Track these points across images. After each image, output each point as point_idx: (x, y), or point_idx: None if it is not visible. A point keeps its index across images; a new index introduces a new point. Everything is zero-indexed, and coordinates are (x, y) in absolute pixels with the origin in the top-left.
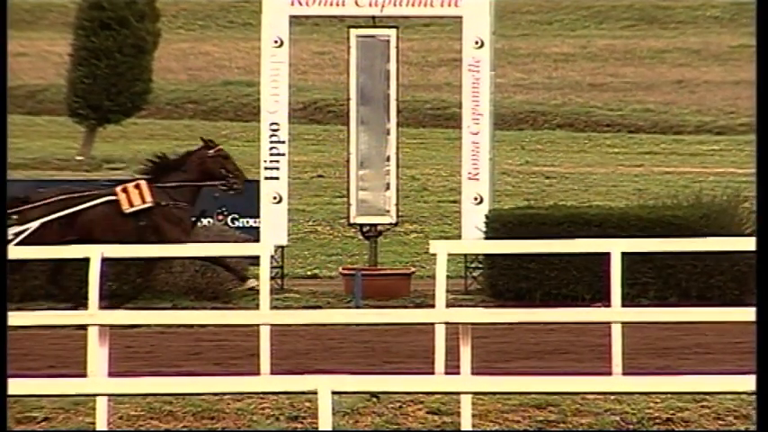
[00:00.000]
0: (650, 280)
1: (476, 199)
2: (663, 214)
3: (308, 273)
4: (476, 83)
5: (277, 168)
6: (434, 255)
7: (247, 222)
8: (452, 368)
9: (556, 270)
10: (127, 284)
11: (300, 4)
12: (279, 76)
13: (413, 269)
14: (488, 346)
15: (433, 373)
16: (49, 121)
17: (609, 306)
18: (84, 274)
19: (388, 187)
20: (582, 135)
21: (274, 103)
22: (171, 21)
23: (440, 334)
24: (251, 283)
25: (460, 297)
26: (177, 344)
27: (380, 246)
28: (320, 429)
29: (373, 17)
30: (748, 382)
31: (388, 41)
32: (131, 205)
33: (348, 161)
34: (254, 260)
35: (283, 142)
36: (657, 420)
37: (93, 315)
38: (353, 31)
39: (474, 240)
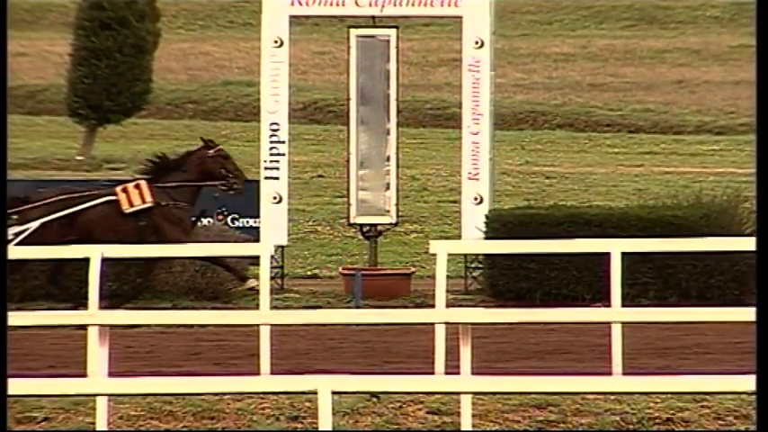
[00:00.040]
0: (650, 280)
1: (476, 199)
2: (663, 214)
3: (308, 273)
4: (476, 83)
5: (277, 168)
6: (434, 255)
7: (247, 222)
8: (452, 368)
9: (556, 270)
10: (127, 284)
11: (300, 4)
12: (279, 76)
13: (413, 269)
14: (488, 346)
15: (433, 373)
16: (49, 121)
17: (609, 306)
18: (84, 274)
19: (388, 187)
20: (582, 135)
21: (274, 103)
22: (171, 21)
23: (440, 334)
24: (251, 283)
25: (460, 297)
26: (177, 344)
27: (380, 246)
28: (320, 429)
29: (373, 17)
30: (748, 382)
31: (388, 41)
32: (131, 205)
33: (348, 161)
34: (254, 260)
35: (283, 142)
36: (657, 420)
37: (93, 315)
38: (353, 31)
39: (474, 240)
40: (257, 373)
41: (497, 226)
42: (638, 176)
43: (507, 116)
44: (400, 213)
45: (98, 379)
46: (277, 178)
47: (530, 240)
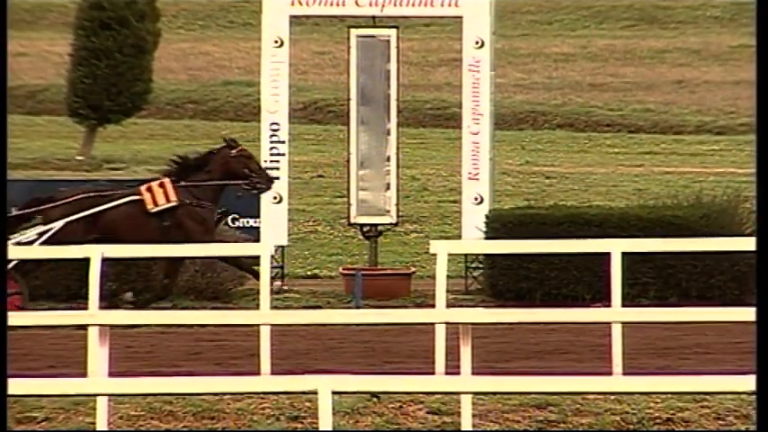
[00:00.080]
0: (650, 280)
1: (476, 199)
2: (663, 214)
3: (308, 273)
4: (476, 83)
5: (277, 168)
6: (434, 255)
7: (247, 222)
8: (452, 368)
9: (556, 270)
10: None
11: (300, 4)
12: (279, 76)
13: (413, 269)
14: (488, 346)
15: (433, 373)
16: (49, 121)
17: (609, 306)
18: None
19: (388, 187)
20: (582, 135)
21: (274, 103)
22: (171, 21)
23: (440, 334)
24: (275, 285)
25: (461, 297)
26: (177, 344)
27: (380, 246)
28: (320, 429)
29: (373, 17)
30: (748, 382)
31: (389, 41)
32: (156, 204)
33: (348, 161)
34: (255, 260)
35: (283, 142)
36: (657, 420)
37: (93, 315)
38: (354, 31)
39: (474, 240)
40: (257, 373)
41: (497, 226)
42: (638, 176)
43: (507, 116)
44: (400, 213)
45: (98, 379)
46: (277, 178)
47: (530, 240)
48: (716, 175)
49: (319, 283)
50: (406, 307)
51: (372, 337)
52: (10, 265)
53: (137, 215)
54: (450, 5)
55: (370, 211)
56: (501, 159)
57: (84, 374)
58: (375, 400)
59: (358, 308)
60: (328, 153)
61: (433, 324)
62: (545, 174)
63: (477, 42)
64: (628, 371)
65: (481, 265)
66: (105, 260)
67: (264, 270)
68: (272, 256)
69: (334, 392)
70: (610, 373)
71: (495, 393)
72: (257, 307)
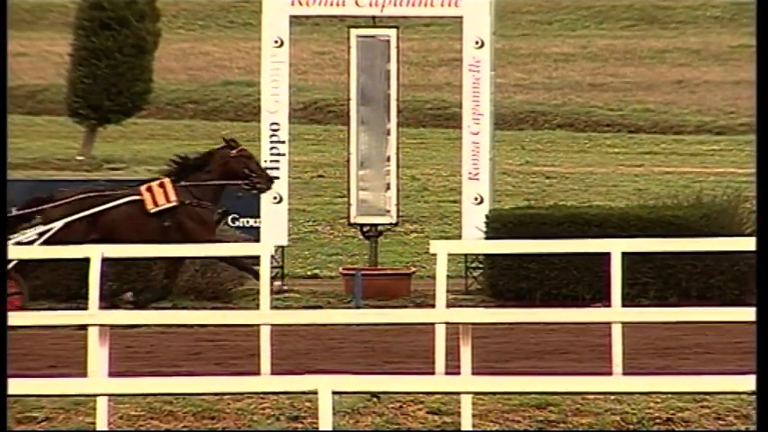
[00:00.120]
0: (650, 280)
1: (476, 199)
2: (663, 214)
3: (308, 273)
4: (476, 83)
5: (277, 168)
6: (434, 255)
7: (247, 222)
8: (452, 368)
9: (556, 270)
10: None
11: (300, 4)
12: (279, 76)
13: (413, 269)
14: (488, 346)
15: (433, 373)
16: (49, 121)
17: (609, 306)
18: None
19: (388, 187)
20: (582, 135)
21: (274, 103)
22: (171, 21)
23: (440, 334)
24: (276, 285)
25: (461, 297)
26: (177, 344)
27: (380, 246)
28: (320, 429)
29: (373, 17)
30: (748, 382)
31: (389, 41)
32: (156, 204)
33: (348, 161)
34: (255, 260)
35: (283, 142)
36: (657, 420)
37: (94, 315)
38: (354, 31)
39: (474, 240)
40: (257, 373)
41: (497, 226)
42: (638, 176)
43: (507, 116)
44: (400, 213)
45: (98, 379)
46: (277, 178)
47: (530, 240)
48: (716, 175)
49: (319, 283)
50: (406, 307)
51: (372, 337)
52: (10, 265)
53: (137, 215)
54: (450, 5)
55: (370, 211)
56: (501, 159)
57: (84, 374)
58: (375, 400)
59: (358, 308)
60: (328, 153)
61: (433, 324)
62: (545, 174)
63: (477, 42)
64: (628, 371)
65: (481, 265)
66: (105, 260)
67: (264, 270)
68: (272, 256)
69: (334, 392)
70: (610, 373)
71: (495, 393)
72: (257, 307)
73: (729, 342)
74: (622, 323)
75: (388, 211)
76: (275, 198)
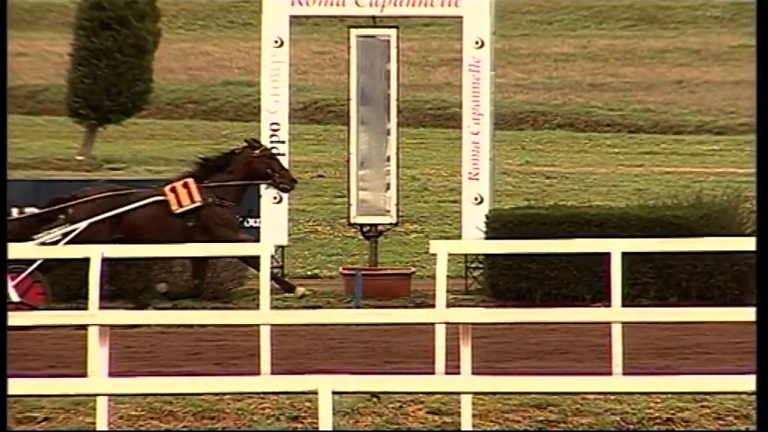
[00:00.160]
0: (650, 280)
1: (476, 199)
2: (663, 214)
3: (308, 273)
4: (476, 83)
5: None
6: (434, 255)
7: (247, 222)
8: (452, 368)
9: (556, 270)
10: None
11: (300, 4)
12: (279, 76)
13: (413, 269)
14: (488, 346)
15: (433, 373)
16: (49, 121)
17: (609, 306)
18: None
19: (388, 187)
20: (582, 135)
21: (274, 103)
22: (171, 21)
23: (440, 334)
24: (299, 291)
25: (461, 297)
26: (177, 344)
27: (380, 246)
28: (320, 429)
29: (373, 17)
30: (748, 382)
31: (389, 41)
32: (180, 205)
33: (348, 161)
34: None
35: (283, 142)
36: (657, 420)
37: (94, 315)
38: (354, 31)
39: (474, 240)
40: (257, 373)
41: (497, 226)
42: (638, 176)
43: (507, 116)
44: (400, 213)
45: (98, 379)
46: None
47: (530, 240)
48: (716, 175)
49: (319, 283)
50: (406, 307)
51: (372, 337)
52: (34, 266)
53: (161, 216)
54: (450, 5)
55: (370, 211)
56: (501, 159)
57: (84, 374)
58: (375, 400)
59: (358, 308)
60: (328, 153)
61: (433, 324)
62: (545, 174)
63: (477, 42)
64: (628, 371)
65: (481, 265)
66: (105, 260)
67: (264, 270)
68: (272, 256)
69: (334, 392)
70: (610, 373)
71: (495, 393)
72: (257, 307)
73: (729, 342)
74: (622, 323)
75: (388, 211)
76: (275, 198)
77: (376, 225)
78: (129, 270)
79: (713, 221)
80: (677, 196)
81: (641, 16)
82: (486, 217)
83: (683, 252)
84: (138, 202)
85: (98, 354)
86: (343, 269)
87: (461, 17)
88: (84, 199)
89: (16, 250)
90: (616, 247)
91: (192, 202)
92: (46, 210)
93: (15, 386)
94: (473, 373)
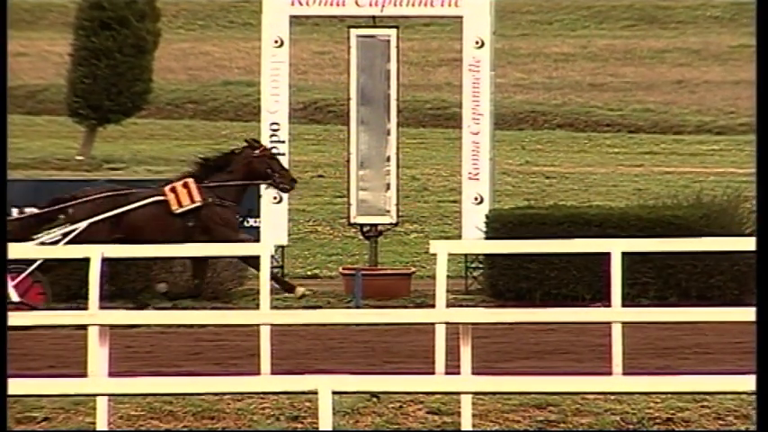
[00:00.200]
0: (650, 280)
1: (476, 199)
2: (663, 214)
3: (308, 273)
4: (476, 83)
5: None
6: (434, 255)
7: (247, 222)
8: (452, 368)
9: (556, 270)
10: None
11: (300, 4)
12: (279, 76)
13: (413, 269)
14: (488, 346)
15: (433, 373)
16: (49, 121)
17: (609, 306)
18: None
19: (388, 187)
20: (582, 135)
21: (274, 103)
22: (171, 21)
23: (440, 334)
24: (299, 291)
25: (461, 297)
26: (177, 344)
27: (380, 246)
28: (320, 429)
29: (373, 17)
30: (748, 382)
31: (389, 41)
32: (180, 205)
33: (348, 161)
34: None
35: (283, 142)
36: (657, 420)
37: (94, 315)
38: (354, 31)
39: (474, 240)
40: (257, 373)
41: (497, 226)
42: (638, 176)
43: (507, 116)
44: (400, 213)
45: (98, 379)
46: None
47: (530, 240)
48: (716, 175)
49: (319, 283)
50: (406, 307)
51: (372, 337)
52: (34, 266)
53: (161, 216)
54: (450, 5)
55: (370, 211)
56: (501, 159)
57: (84, 374)
58: (375, 400)
59: (358, 308)
60: (328, 153)
61: (433, 324)
62: (545, 174)
63: (477, 42)
64: (628, 371)
65: (481, 265)
66: (105, 260)
67: (264, 270)
68: (272, 256)
69: (334, 392)
70: (610, 373)
71: (495, 393)
72: (257, 307)
73: (729, 342)
74: (622, 323)
75: (388, 211)
76: (275, 198)
77: (376, 225)
78: (129, 270)
79: (713, 221)
80: (677, 196)
81: (641, 16)
82: (486, 217)
83: (682, 252)
84: (138, 202)
85: (98, 354)
86: (343, 269)
87: (461, 17)
88: (84, 199)
89: (16, 250)
90: (616, 247)
91: (192, 202)
92: (46, 210)
93: (15, 386)
94: (473, 373)
